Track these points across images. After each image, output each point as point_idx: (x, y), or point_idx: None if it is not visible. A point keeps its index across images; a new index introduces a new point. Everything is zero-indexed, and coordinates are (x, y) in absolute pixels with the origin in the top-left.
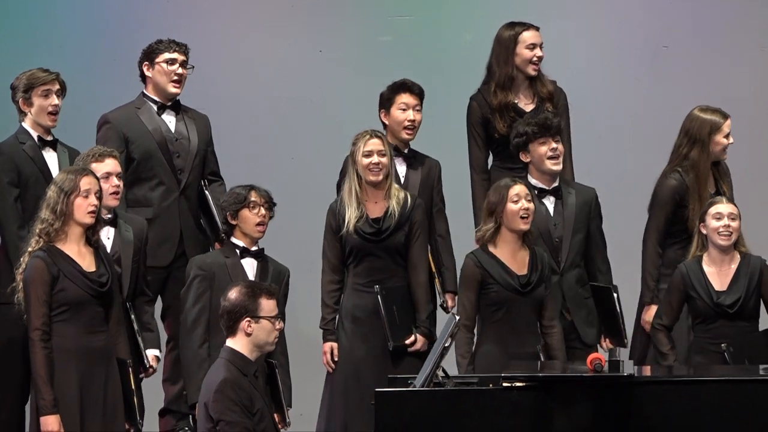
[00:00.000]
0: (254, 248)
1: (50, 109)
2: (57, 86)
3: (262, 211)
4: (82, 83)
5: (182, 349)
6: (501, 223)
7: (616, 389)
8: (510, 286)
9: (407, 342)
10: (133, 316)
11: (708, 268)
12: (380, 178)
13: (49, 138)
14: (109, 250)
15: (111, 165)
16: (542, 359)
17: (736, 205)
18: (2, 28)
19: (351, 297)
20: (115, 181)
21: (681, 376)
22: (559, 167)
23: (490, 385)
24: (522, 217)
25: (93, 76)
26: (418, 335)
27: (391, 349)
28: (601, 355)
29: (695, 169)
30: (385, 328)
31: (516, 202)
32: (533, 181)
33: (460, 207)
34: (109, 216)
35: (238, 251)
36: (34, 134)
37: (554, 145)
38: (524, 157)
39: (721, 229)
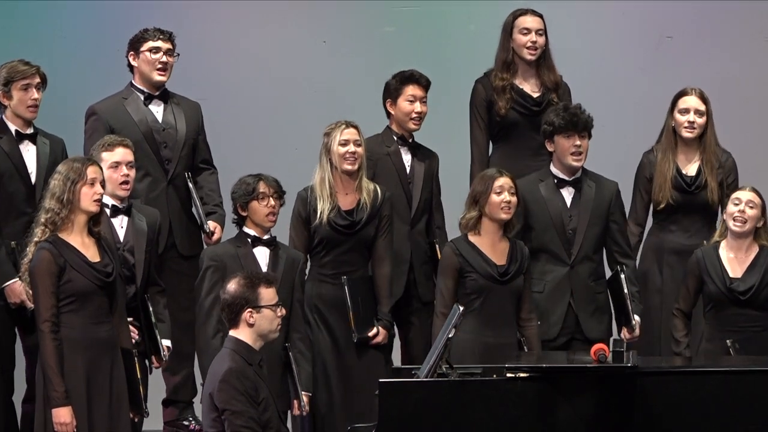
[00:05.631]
0: (266, 237)
1: (29, 102)
2: (37, 79)
3: (272, 201)
4: (82, 74)
5: (197, 340)
6: (483, 212)
7: (620, 380)
8: (488, 274)
9: (370, 335)
10: (151, 308)
11: (725, 255)
12: (356, 167)
13: (29, 131)
14: (122, 239)
15: (120, 154)
16: (525, 349)
17: (761, 196)
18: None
19: (315, 287)
20: (124, 170)
21: (685, 367)
22: (580, 164)
23: (494, 376)
24: (503, 208)
25: (93, 66)
26: (380, 328)
27: (356, 341)
28: (605, 345)
29: (660, 143)
30: (350, 320)
31: (499, 194)
32: (554, 171)
33: (463, 198)
34: (124, 205)
35: (249, 240)
36: (12, 128)
37: (578, 141)
38: (549, 147)
39: (736, 214)
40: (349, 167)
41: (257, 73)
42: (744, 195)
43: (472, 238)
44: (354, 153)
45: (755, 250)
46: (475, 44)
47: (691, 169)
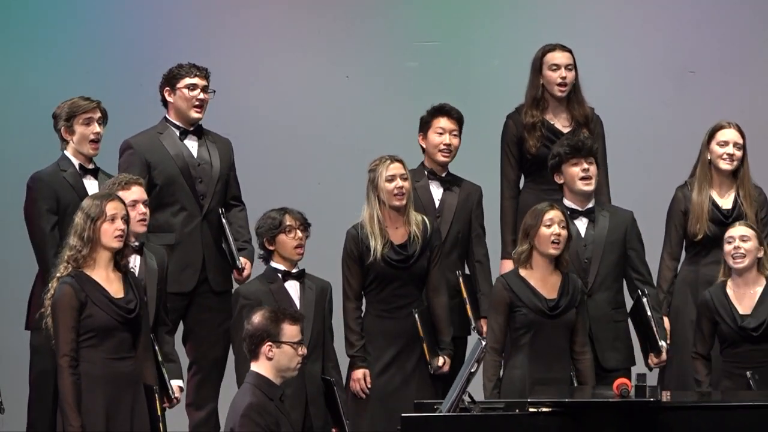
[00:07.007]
0: (294, 270)
1: (92, 137)
2: (98, 114)
3: (299, 233)
4: (109, 109)
5: (240, 381)
6: (533, 245)
7: (643, 414)
8: (538, 309)
9: (438, 364)
10: (156, 347)
11: (732, 293)
12: (404, 202)
13: (91, 166)
14: None
15: (137, 192)
16: (575, 384)
17: (754, 228)
18: (33, 57)
19: (376, 323)
20: (141, 208)
21: (708, 402)
22: (591, 188)
23: (517, 411)
24: (553, 242)
25: (119, 101)
26: (445, 357)
27: (433, 372)
28: (628, 380)
29: (695, 177)
30: (425, 351)
31: (549, 226)
32: (567, 203)
33: (491, 232)
34: (137, 244)
35: (280, 275)
36: (76, 162)
37: (586, 165)
38: (558, 179)
39: (732, 252)
40: (398, 203)
41: (280, 107)
42: (735, 231)
43: (523, 272)
44: (401, 188)
45: (762, 283)
46: (499, 79)
47: (726, 202)
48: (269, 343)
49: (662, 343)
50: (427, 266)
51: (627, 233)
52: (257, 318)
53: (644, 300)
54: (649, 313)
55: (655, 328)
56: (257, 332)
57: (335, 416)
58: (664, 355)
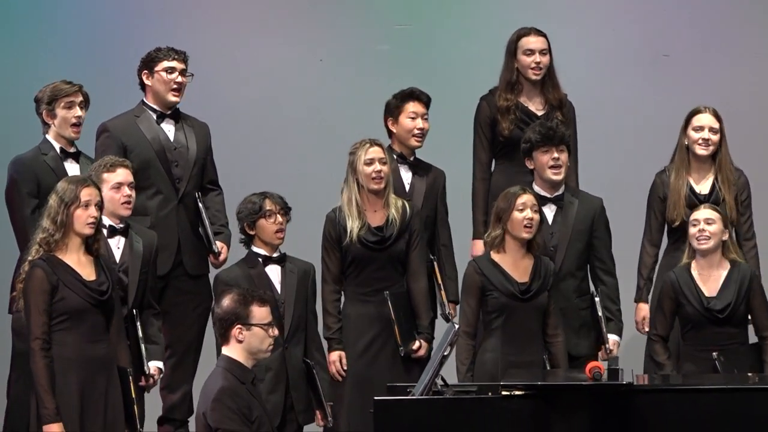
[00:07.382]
0: (275, 254)
1: (73, 120)
2: (80, 98)
3: (279, 218)
4: (91, 93)
5: None
6: (506, 229)
7: (615, 397)
8: (509, 292)
9: (414, 348)
10: (138, 325)
11: (697, 275)
12: (382, 186)
13: (72, 150)
14: (117, 259)
15: (122, 175)
16: (548, 368)
17: (719, 211)
18: (12, 42)
19: (353, 306)
20: (126, 190)
21: (680, 385)
22: (560, 177)
23: (489, 394)
24: (525, 226)
25: (101, 85)
26: (422, 341)
27: (403, 354)
28: (600, 363)
29: (674, 162)
30: (396, 334)
31: (521, 210)
32: (536, 189)
33: (461, 216)
34: (121, 225)
35: (260, 260)
36: (57, 146)
37: (556, 155)
38: (529, 164)
39: (697, 234)
40: (376, 186)
41: (252, 90)
42: (700, 214)
43: (495, 256)
44: (380, 171)
45: (726, 266)
46: (470, 62)
47: (704, 187)
48: (239, 325)
49: (611, 339)
50: (406, 250)
51: (594, 221)
52: (226, 301)
53: (596, 299)
54: (599, 314)
55: (603, 328)
56: (226, 316)
57: (317, 399)
58: (614, 352)
